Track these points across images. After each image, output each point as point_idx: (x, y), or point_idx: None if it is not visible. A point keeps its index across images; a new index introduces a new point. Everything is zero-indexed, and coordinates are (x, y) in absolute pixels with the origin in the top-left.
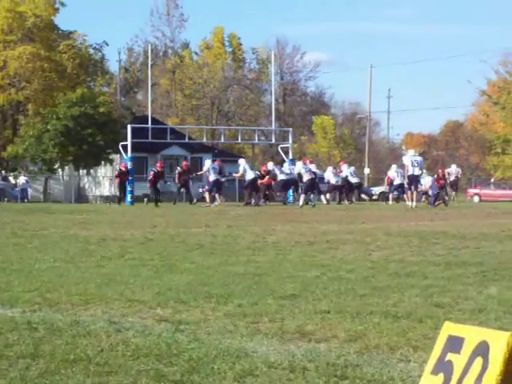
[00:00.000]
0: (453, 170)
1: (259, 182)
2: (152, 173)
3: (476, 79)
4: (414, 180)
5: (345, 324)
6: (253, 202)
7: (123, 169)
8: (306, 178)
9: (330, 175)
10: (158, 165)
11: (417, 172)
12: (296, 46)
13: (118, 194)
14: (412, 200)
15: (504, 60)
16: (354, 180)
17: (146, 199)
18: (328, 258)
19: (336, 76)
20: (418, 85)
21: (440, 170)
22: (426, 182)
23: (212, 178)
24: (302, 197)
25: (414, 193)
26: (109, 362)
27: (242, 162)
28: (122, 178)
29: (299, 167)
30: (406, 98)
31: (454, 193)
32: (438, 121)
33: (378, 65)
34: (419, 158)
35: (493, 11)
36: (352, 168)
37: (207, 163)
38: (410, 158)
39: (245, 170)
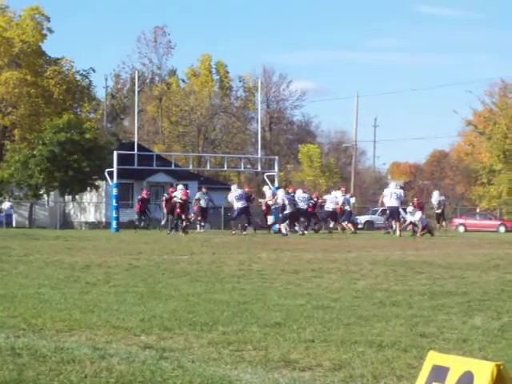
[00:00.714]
0: (437, 202)
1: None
2: (164, 198)
3: (462, 109)
4: (395, 211)
5: (329, 353)
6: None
7: (145, 196)
8: (288, 210)
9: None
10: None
11: (395, 204)
12: (283, 74)
13: (136, 221)
14: (392, 227)
15: (490, 90)
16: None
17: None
18: (313, 286)
19: (322, 105)
20: (405, 114)
21: (416, 199)
22: (416, 217)
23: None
24: (283, 226)
25: (397, 223)
26: None
27: (233, 188)
28: (144, 204)
29: (281, 196)
30: (392, 128)
31: (439, 225)
32: (423, 150)
33: (364, 94)
34: (399, 191)
35: (479, 41)
36: (346, 197)
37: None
38: (390, 190)
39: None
